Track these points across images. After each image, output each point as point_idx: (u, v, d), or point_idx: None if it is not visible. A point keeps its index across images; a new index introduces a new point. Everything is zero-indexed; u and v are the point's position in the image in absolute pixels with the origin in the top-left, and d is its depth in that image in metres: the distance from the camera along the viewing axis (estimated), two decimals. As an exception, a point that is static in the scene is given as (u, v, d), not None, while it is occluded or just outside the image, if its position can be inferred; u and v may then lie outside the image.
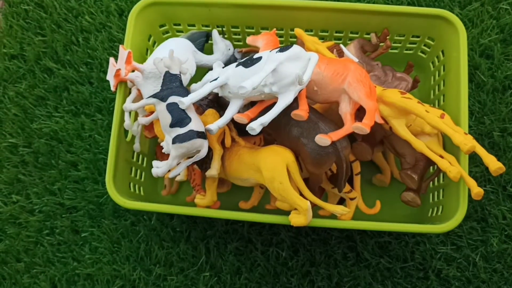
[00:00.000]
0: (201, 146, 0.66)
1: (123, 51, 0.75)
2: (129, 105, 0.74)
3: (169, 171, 0.69)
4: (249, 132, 0.62)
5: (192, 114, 0.67)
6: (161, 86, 0.69)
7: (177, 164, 0.68)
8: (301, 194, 0.68)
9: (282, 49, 0.63)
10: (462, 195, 0.70)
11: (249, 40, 0.77)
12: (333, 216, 0.76)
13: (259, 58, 0.64)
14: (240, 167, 0.72)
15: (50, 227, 0.93)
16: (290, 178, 0.67)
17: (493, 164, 0.66)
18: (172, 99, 0.67)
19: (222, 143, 0.73)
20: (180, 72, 0.70)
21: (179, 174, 0.70)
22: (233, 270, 0.88)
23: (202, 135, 0.66)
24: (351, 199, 0.76)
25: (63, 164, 0.94)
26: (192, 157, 0.68)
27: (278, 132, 0.70)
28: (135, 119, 0.80)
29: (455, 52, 0.76)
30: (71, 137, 0.95)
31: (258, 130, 0.61)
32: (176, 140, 0.65)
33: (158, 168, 0.68)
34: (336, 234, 0.88)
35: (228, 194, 0.84)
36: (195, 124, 0.66)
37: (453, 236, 0.86)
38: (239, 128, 0.73)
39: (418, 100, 0.71)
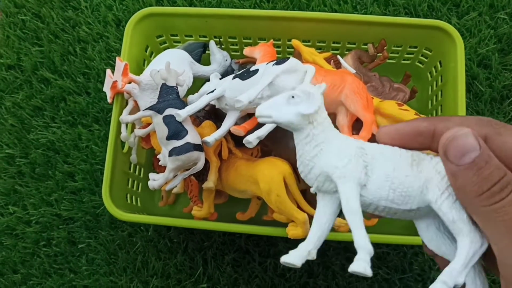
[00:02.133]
0: (198, 159, 0.66)
1: (119, 63, 0.74)
2: (125, 117, 0.73)
3: (166, 183, 0.69)
4: (246, 145, 0.62)
5: (188, 126, 0.66)
6: (157, 98, 0.69)
7: (174, 177, 0.68)
8: (299, 206, 0.68)
9: (278, 62, 0.62)
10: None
11: (246, 51, 0.77)
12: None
13: (256, 71, 0.64)
14: (237, 179, 0.71)
15: (47, 238, 0.92)
16: (287, 190, 0.67)
17: None
18: (169, 111, 0.66)
19: (219, 155, 0.73)
20: (177, 84, 0.70)
21: (176, 186, 0.70)
22: (231, 281, 0.87)
23: (199, 147, 0.66)
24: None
25: (60, 175, 0.94)
26: (189, 169, 0.68)
27: (275, 144, 0.70)
28: (132, 130, 0.79)
29: (452, 62, 0.76)
30: (68, 148, 0.95)
31: (254, 143, 0.61)
32: (173, 152, 0.65)
33: (155, 180, 0.67)
34: (334, 245, 0.87)
35: (225, 205, 0.84)
36: (192, 136, 0.65)
37: (451, 247, 0.86)
38: (236, 140, 0.73)
39: (415, 111, 0.71)
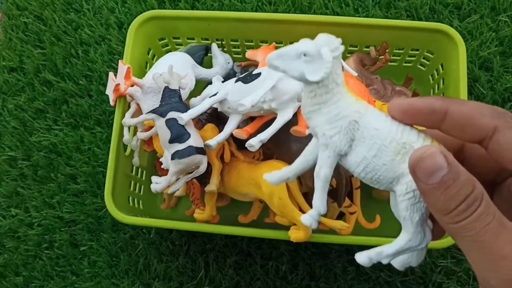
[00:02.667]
0: (200, 162, 0.66)
1: (122, 66, 0.75)
2: (128, 120, 0.73)
3: (168, 186, 0.69)
4: (249, 148, 0.62)
5: (191, 129, 0.66)
6: (160, 102, 0.69)
7: (176, 180, 0.68)
8: (301, 210, 0.68)
9: None
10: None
11: (248, 54, 0.77)
12: (332, 231, 0.76)
13: (258, 74, 0.64)
14: (239, 182, 0.71)
15: (49, 240, 0.92)
16: (289, 194, 0.67)
17: None
18: (171, 114, 0.67)
19: (221, 158, 0.73)
20: (179, 87, 0.70)
21: (178, 189, 0.70)
22: (232, 284, 0.87)
23: (201, 151, 0.66)
24: (351, 213, 0.75)
25: (62, 177, 0.94)
26: (191, 172, 0.68)
27: (278, 147, 0.70)
28: (134, 133, 0.80)
29: (454, 65, 0.76)
30: (70, 150, 0.95)
31: (257, 147, 0.61)
32: (175, 156, 0.65)
33: (157, 184, 0.67)
34: (336, 248, 0.87)
35: (227, 207, 0.84)
36: (194, 140, 0.66)
37: (453, 249, 0.86)
38: (239, 142, 0.73)
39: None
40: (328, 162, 0.36)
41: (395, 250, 0.36)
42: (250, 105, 0.59)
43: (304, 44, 0.35)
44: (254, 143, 0.61)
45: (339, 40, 0.36)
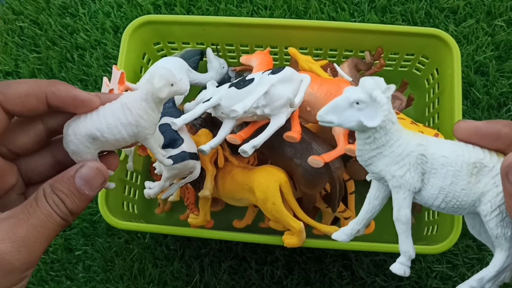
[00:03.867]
0: (194, 167, 0.66)
1: (116, 71, 0.75)
2: None
3: (161, 192, 0.69)
4: (241, 154, 0.62)
5: (184, 135, 0.66)
6: None
7: (170, 185, 0.68)
8: (295, 215, 0.68)
9: (274, 71, 0.63)
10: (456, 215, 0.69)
11: (243, 59, 0.77)
12: (327, 236, 0.75)
13: (252, 80, 0.64)
14: (233, 187, 0.71)
15: (44, 245, 0.92)
16: (283, 199, 0.67)
17: None
18: (165, 119, 0.67)
19: (215, 163, 0.73)
20: None
21: (172, 195, 0.70)
22: (228, 289, 0.87)
23: (194, 156, 0.66)
24: (346, 218, 0.75)
25: (57, 182, 0.94)
26: (185, 178, 0.68)
27: (272, 152, 0.70)
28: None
29: (449, 69, 0.77)
30: (65, 155, 0.95)
31: (250, 152, 0.61)
32: None
33: (151, 189, 0.67)
34: (331, 253, 0.87)
35: (221, 212, 0.84)
36: (188, 145, 0.66)
37: (448, 254, 0.86)
38: (232, 147, 0.73)
39: (411, 120, 0.71)
40: (406, 203, 0.36)
41: (496, 272, 0.35)
42: (242, 111, 0.59)
43: (353, 93, 0.35)
44: (247, 149, 0.61)
45: (382, 79, 0.35)
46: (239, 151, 0.62)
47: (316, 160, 0.63)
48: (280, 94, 0.60)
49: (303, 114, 0.69)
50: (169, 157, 0.65)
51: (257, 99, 0.59)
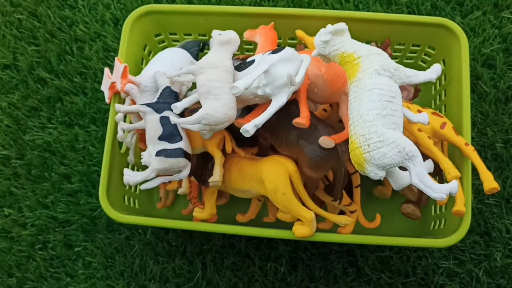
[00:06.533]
0: (184, 167, 0.67)
1: (119, 65, 0.73)
2: (119, 106, 0.71)
3: (143, 182, 0.68)
4: (243, 134, 0.61)
5: (184, 134, 0.67)
6: (157, 98, 0.69)
7: (154, 178, 0.67)
8: (304, 205, 0.67)
9: (274, 51, 0.63)
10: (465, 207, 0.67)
11: (246, 35, 0.76)
12: (333, 230, 0.74)
13: (252, 61, 0.65)
14: (241, 178, 0.70)
15: (43, 241, 0.90)
16: (293, 189, 0.66)
17: (488, 183, 0.66)
18: (167, 113, 0.67)
19: (223, 151, 0.71)
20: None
21: (152, 188, 0.69)
22: (230, 286, 0.85)
23: (188, 157, 0.67)
24: (351, 212, 0.74)
25: (56, 177, 0.92)
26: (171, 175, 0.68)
27: (275, 135, 0.69)
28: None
29: (456, 61, 0.75)
30: (64, 149, 0.93)
31: (252, 131, 0.60)
32: (162, 153, 0.65)
33: (130, 176, 0.66)
34: (336, 249, 0.85)
35: (225, 207, 0.83)
36: (185, 144, 0.67)
37: (455, 250, 0.84)
38: (237, 140, 0.72)
39: (418, 107, 0.70)
40: None
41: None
42: (243, 87, 0.59)
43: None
44: (248, 128, 0.60)
45: None
46: (241, 130, 0.61)
47: (327, 141, 0.63)
48: (280, 73, 0.60)
49: (311, 95, 0.69)
50: (163, 150, 0.65)
51: (258, 76, 0.60)
